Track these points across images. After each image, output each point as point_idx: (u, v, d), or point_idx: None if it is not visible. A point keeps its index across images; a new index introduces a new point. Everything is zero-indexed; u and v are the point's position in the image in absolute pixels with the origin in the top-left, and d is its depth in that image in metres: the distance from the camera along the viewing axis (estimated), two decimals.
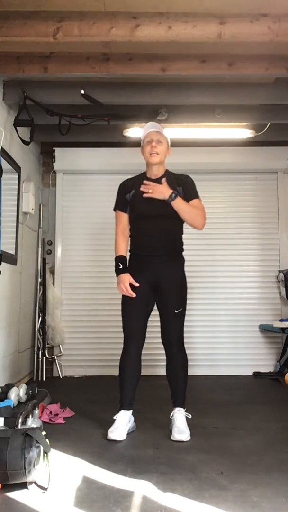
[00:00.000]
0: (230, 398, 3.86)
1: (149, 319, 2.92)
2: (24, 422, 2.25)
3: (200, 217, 2.86)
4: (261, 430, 2.90)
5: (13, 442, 1.97)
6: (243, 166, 5.17)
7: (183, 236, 2.98)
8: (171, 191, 2.78)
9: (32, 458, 1.95)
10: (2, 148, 3.56)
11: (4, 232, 3.64)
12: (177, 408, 2.83)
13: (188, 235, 3.05)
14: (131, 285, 2.80)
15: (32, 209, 4.63)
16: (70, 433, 2.81)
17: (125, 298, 2.88)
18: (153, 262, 2.85)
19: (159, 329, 2.92)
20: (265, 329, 5.00)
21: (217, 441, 2.67)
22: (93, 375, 4.86)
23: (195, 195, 2.91)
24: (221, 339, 5.06)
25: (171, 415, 2.82)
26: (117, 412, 2.80)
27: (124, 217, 2.95)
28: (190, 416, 2.82)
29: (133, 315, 2.87)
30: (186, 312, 2.92)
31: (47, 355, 4.87)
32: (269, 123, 4.55)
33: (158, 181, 2.88)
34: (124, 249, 2.93)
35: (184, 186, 2.91)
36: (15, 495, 1.95)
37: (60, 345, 4.96)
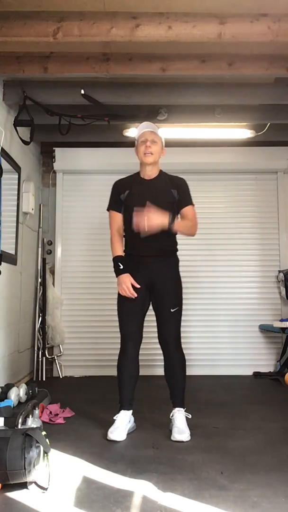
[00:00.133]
0: (230, 398, 3.86)
1: (146, 319, 2.92)
2: (24, 422, 2.25)
3: (194, 229, 2.93)
4: (261, 430, 2.90)
5: (13, 442, 1.97)
6: (243, 166, 5.17)
7: (178, 236, 2.97)
8: (167, 216, 2.73)
9: (32, 458, 1.95)
10: (2, 148, 3.56)
11: (4, 232, 3.64)
12: (177, 408, 2.82)
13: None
14: (131, 285, 2.80)
15: (32, 209, 4.63)
16: (70, 433, 2.81)
17: (121, 298, 2.87)
18: (148, 262, 2.84)
19: (155, 329, 2.91)
20: (265, 329, 5.00)
21: (217, 441, 2.67)
22: (93, 375, 4.86)
23: (190, 201, 2.93)
24: (221, 339, 5.06)
25: (171, 415, 2.81)
26: (117, 412, 2.80)
27: (119, 217, 2.95)
28: (190, 416, 2.82)
29: (129, 315, 2.86)
30: (186, 312, 2.92)
31: (47, 355, 4.87)
32: (269, 123, 4.55)
33: (151, 182, 2.89)
34: (121, 249, 2.93)
35: (179, 190, 2.91)
36: (15, 495, 1.94)
37: (60, 345, 4.96)
